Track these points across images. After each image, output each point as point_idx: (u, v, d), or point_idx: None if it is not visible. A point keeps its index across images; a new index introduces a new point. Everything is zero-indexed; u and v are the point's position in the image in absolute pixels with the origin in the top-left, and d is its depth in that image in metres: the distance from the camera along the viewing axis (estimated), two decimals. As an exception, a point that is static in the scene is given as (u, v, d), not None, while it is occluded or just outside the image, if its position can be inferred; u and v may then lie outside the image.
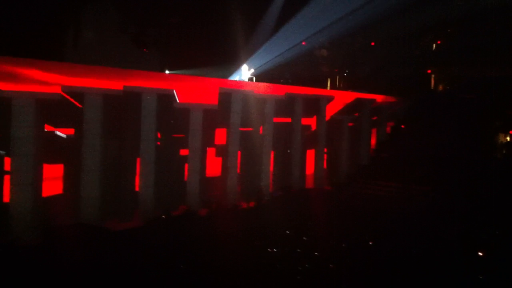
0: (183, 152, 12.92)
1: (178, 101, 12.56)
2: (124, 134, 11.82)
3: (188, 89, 13.17)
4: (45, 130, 11.00)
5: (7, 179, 10.44)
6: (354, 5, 20.05)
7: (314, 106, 15.41)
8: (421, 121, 17.61)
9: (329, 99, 15.90)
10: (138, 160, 12.06)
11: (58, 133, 11.41)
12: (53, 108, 10.76)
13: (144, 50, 18.41)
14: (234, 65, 19.46)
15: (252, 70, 19.37)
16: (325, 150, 15.96)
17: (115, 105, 11.52)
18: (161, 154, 12.20)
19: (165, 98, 12.21)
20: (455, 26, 21.25)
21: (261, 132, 14.27)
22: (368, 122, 16.78)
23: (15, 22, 14.01)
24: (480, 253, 10.01)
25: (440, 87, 21.52)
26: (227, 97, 13.42)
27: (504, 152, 16.77)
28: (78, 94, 11.04)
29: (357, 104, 16.64)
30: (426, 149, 15.97)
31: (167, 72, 18.35)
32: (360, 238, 10.94)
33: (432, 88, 21.58)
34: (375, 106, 17.09)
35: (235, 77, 19.08)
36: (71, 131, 11.41)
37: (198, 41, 19.17)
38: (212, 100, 13.32)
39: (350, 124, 16.51)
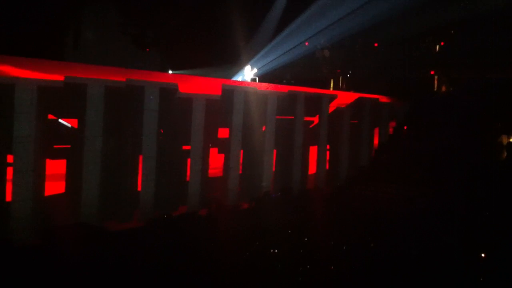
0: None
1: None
2: (125, 128, 11.74)
3: (190, 89, 13.09)
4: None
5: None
6: (357, 6, 20.04)
7: (317, 104, 15.33)
8: (422, 123, 17.53)
9: (332, 97, 15.82)
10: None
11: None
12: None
13: (147, 50, 18.44)
14: (237, 66, 19.46)
15: (255, 71, 19.34)
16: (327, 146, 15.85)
17: (118, 97, 11.44)
18: (163, 149, 12.12)
19: (168, 92, 12.13)
20: (456, 28, 21.19)
21: (263, 129, 14.18)
22: (369, 122, 16.69)
23: (17, 22, 14.04)
24: (480, 254, 9.94)
25: (441, 89, 21.44)
26: (230, 94, 13.33)
27: (504, 153, 16.65)
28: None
29: (359, 104, 16.54)
30: (427, 150, 15.88)
31: (169, 72, 18.37)
32: (360, 239, 10.86)
33: (432, 89, 21.50)
34: (377, 106, 16.99)
35: (238, 78, 19.07)
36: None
37: (201, 41, 19.20)
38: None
39: (352, 121, 16.38)
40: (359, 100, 16.67)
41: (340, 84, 22.86)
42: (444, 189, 13.86)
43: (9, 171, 10.36)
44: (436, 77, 21.46)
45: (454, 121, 16.35)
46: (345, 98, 16.84)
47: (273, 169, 14.54)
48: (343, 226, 11.57)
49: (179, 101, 12.41)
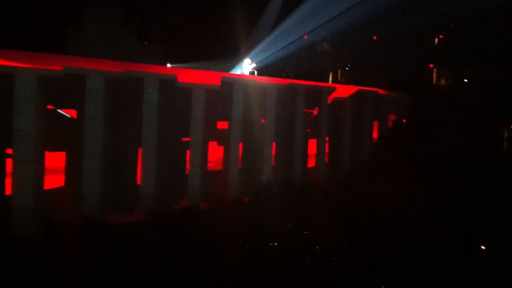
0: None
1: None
2: (125, 120, 11.68)
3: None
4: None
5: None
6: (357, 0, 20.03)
7: (317, 97, 15.27)
8: (422, 120, 17.52)
9: (331, 90, 15.79)
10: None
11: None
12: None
13: (146, 43, 18.40)
14: (236, 59, 19.45)
15: (254, 64, 19.32)
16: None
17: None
18: (163, 141, 12.07)
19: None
20: (457, 25, 21.21)
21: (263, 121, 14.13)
22: (370, 114, 16.63)
23: (17, 16, 14.01)
24: (480, 254, 9.99)
25: (442, 86, 21.46)
26: (229, 87, 13.28)
27: (505, 152, 16.67)
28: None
29: (359, 96, 16.48)
30: (427, 148, 15.89)
31: (168, 65, 18.35)
32: (360, 237, 10.88)
33: (434, 87, 21.52)
34: (377, 98, 16.93)
35: (237, 71, 19.05)
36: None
37: (200, 35, 19.16)
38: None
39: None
40: (359, 92, 16.62)
41: (340, 78, 22.85)
42: (445, 188, 13.88)
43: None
44: (437, 74, 21.49)
45: (456, 119, 16.34)
46: (344, 92, 16.79)
47: (273, 162, 14.51)
48: (343, 223, 11.59)
49: (179, 91, 12.30)
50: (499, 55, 18.23)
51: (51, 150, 11.07)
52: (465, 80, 19.76)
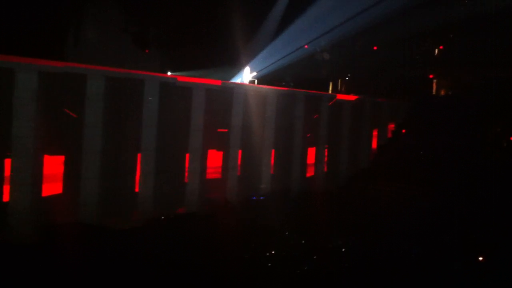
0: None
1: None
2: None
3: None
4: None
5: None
6: (357, 8, 20.07)
7: (316, 104, 15.27)
8: (422, 123, 17.55)
9: (331, 97, 15.82)
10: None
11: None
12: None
13: (146, 51, 18.43)
14: (236, 67, 19.45)
15: (254, 73, 19.30)
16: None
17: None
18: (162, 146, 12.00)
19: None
20: (456, 28, 21.27)
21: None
22: (370, 121, 16.66)
23: (16, 21, 14.03)
24: (480, 255, 9.96)
25: (441, 89, 21.49)
26: (229, 92, 13.24)
27: (504, 153, 16.63)
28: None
29: (359, 103, 16.52)
30: (427, 150, 15.90)
31: (168, 73, 18.35)
32: (360, 239, 10.85)
33: (433, 90, 21.55)
34: (377, 105, 16.99)
35: (237, 80, 19.04)
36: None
37: (200, 43, 19.21)
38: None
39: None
40: (359, 99, 16.68)
41: (339, 87, 22.87)
42: (445, 189, 13.86)
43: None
44: (436, 77, 21.52)
45: (455, 120, 16.36)
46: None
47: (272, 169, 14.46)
48: (343, 224, 11.58)
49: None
50: (498, 58, 18.28)
51: (50, 153, 10.98)
52: (464, 84, 19.83)
